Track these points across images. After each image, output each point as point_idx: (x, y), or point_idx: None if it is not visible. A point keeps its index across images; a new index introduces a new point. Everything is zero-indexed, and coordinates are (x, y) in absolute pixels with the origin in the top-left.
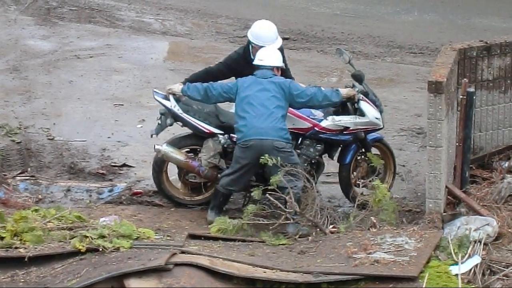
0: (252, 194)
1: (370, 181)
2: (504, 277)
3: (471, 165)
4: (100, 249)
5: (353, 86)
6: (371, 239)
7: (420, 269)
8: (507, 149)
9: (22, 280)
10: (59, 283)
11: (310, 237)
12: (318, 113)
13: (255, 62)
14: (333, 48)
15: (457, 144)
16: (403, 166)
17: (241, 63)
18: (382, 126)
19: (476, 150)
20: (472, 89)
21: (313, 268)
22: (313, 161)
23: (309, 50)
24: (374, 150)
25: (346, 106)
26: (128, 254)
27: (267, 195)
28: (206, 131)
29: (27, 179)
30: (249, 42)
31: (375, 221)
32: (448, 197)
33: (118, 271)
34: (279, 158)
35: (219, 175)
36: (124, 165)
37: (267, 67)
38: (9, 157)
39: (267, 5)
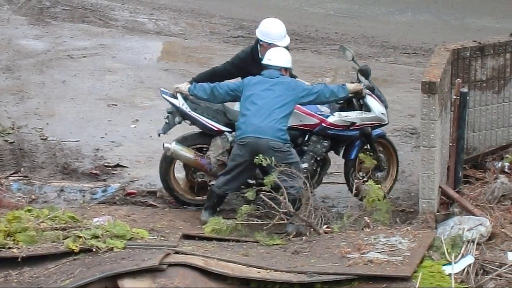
0: (245, 194)
1: (375, 176)
2: (497, 277)
3: (464, 165)
4: (94, 250)
5: (359, 81)
6: (365, 239)
7: (413, 269)
8: (501, 149)
9: (15, 281)
10: (53, 283)
11: (304, 237)
12: (325, 109)
13: (264, 61)
14: (327, 48)
15: (450, 144)
16: None
17: (249, 62)
18: (387, 122)
19: (469, 150)
20: (465, 90)
21: (307, 268)
22: (319, 158)
23: (303, 50)
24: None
25: (351, 102)
26: (121, 255)
27: (261, 195)
28: (215, 129)
29: (20, 179)
30: (257, 41)
31: (368, 221)
32: (442, 197)
33: (112, 271)
34: (273, 158)
35: None
36: (118, 165)
37: (275, 67)
38: (2, 157)
39: (261, 5)
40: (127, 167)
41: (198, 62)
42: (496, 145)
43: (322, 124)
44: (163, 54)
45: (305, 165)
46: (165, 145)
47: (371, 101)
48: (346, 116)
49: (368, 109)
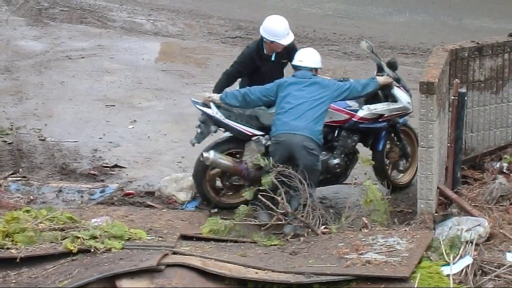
0: (244, 194)
1: (400, 165)
2: (495, 278)
3: (462, 166)
4: (92, 250)
5: (381, 74)
6: (363, 239)
7: (411, 269)
8: (499, 149)
9: (14, 281)
10: (51, 283)
11: (302, 238)
12: (353, 104)
13: (294, 62)
14: (325, 49)
15: (448, 144)
16: None
17: (254, 57)
18: (412, 110)
19: (467, 151)
20: (463, 90)
21: (305, 268)
22: (348, 152)
23: None
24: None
25: (376, 94)
26: (119, 255)
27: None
28: (250, 134)
29: (18, 180)
30: (262, 37)
31: (366, 221)
32: (440, 197)
33: (110, 271)
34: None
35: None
36: (116, 166)
37: (306, 68)
38: (1, 158)
39: (258, 6)
40: (125, 167)
41: (196, 62)
42: (494, 145)
43: (353, 119)
44: (161, 55)
45: (336, 160)
46: (204, 154)
47: (398, 92)
48: (375, 109)
49: (394, 99)
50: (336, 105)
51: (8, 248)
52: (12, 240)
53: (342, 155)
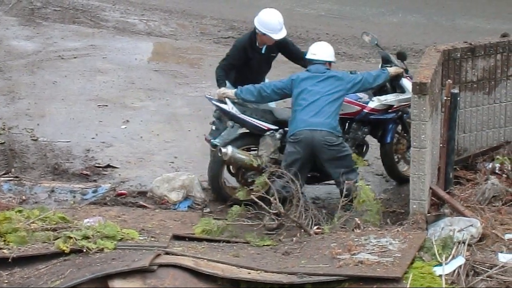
0: (237, 194)
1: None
2: (488, 278)
3: (455, 166)
4: (84, 250)
5: (385, 67)
6: (355, 240)
7: (404, 270)
8: (491, 150)
9: (6, 281)
10: (43, 284)
11: (294, 238)
12: (364, 95)
13: (308, 56)
14: None
15: (441, 145)
16: None
17: (247, 48)
18: None
19: (460, 151)
20: (456, 90)
21: (297, 269)
22: (359, 144)
23: None
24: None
25: (383, 85)
26: (112, 255)
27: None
28: (265, 128)
29: (10, 180)
30: (255, 29)
31: (359, 222)
32: (432, 198)
33: (102, 272)
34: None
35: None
36: (108, 166)
37: (320, 62)
38: None
39: (251, 6)
40: (117, 167)
41: (189, 62)
42: (486, 146)
43: (364, 110)
44: (153, 55)
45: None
46: (222, 150)
47: (406, 82)
48: (385, 100)
49: (402, 90)
50: (347, 97)
51: (0, 248)
52: (4, 240)
53: (353, 147)
